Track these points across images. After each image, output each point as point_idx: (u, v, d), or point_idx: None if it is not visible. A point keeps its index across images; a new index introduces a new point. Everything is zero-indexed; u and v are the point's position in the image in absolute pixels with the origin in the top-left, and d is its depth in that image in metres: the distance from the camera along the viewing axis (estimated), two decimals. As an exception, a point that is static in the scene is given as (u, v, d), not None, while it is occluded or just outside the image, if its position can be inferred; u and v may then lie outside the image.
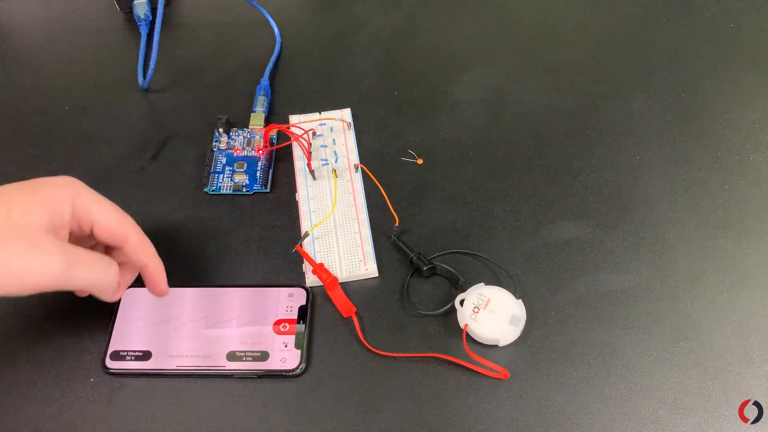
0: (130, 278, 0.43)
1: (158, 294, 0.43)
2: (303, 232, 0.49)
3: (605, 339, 0.44)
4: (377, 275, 0.48)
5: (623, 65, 0.60)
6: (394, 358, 0.44)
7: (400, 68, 0.61)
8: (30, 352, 0.44)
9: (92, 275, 0.38)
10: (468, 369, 0.43)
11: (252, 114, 0.57)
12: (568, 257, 0.48)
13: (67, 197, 0.38)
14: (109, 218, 0.39)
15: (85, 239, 0.41)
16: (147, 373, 0.43)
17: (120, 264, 0.42)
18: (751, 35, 0.62)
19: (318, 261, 0.48)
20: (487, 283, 0.46)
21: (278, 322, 0.45)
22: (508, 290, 0.45)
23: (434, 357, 0.44)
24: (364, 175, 0.53)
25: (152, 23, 0.63)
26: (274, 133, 0.55)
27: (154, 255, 0.42)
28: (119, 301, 0.46)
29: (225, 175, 0.53)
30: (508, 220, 0.50)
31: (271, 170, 0.54)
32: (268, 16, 0.63)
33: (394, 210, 0.50)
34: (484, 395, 0.42)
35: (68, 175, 0.39)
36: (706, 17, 0.64)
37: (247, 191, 0.52)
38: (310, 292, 0.47)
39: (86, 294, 0.41)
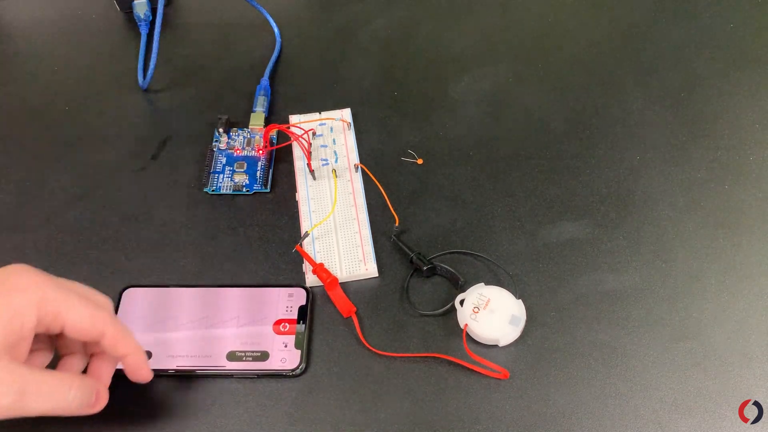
0: (111, 370, 0.40)
1: (141, 381, 0.39)
2: (303, 232, 0.49)
3: (605, 339, 0.44)
4: (377, 275, 0.48)
5: (623, 65, 0.60)
6: (394, 358, 0.44)
7: (400, 68, 0.61)
8: (30, 352, 0.44)
9: (49, 404, 0.34)
10: (468, 369, 0.43)
11: (252, 114, 0.57)
12: (568, 257, 0.48)
13: (30, 305, 0.34)
14: (82, 318, 0.36)
15: (55, 336, 0.38)
16: (147, 373, 0.43)
17: (98, 354, 0.39)
18: (751, 35, 0.62)
19: (318, 261, 0.48)
20: (487, 283, 0.46)
21: (278, 322, 0.45)
22: (508, 290, 0.45)
23: (434, 357, 0.44)
24: (364, 175, 0.53)
25: (152, 23, 0.62)
26: (274, 133, 0.55)
27: (134, 343, 0.38)
28: (119, 301, 0.46)
29: (225, 175, 0.53)
30: (508, 220, 0.50)
31: (271, 170, 0.54)
32: (268, 16, 0.63)
33: (394, 210, 0.50)
34: (484, 395, 0.42)
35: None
36: (706, 17, 0.64)
37: (247, 191, 0.52)
38: (310, 292, 0.47)
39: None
